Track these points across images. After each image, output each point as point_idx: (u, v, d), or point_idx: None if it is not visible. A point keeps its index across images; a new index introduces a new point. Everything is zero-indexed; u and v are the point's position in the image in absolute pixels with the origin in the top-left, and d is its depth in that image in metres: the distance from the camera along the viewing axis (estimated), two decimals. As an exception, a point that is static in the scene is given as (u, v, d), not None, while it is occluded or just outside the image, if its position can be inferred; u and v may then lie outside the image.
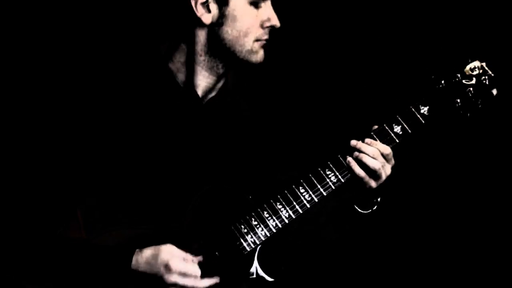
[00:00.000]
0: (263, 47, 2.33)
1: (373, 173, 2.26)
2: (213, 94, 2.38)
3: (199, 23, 2.31)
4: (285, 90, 2.97)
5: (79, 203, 2.29)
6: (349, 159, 2.27)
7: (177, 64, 2.35)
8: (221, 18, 2.30)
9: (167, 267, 2.20)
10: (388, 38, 3.12)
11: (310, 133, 2.58)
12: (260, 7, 2.31)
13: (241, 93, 2.45)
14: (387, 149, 2.28)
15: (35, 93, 2.95)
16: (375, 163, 2.26)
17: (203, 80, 2.36)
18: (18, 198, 2.28)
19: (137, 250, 2.22)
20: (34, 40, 2.99)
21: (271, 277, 2.30)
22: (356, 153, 2.27)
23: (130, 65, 2.39)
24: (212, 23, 2.30)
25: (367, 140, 2.28)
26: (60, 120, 2.31)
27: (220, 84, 2.39)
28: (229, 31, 2.30)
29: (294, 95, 2.93)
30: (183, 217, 2.29)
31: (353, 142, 2.29)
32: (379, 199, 2.35)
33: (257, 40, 2.31)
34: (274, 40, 2.36)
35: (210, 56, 2.34)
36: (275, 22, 2.32)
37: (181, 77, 2.35)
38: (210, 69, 2.35)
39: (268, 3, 2.33)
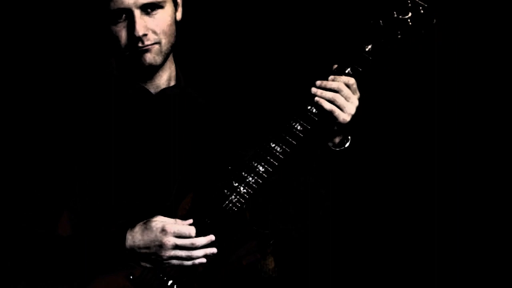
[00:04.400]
0: (145, 51, 2.39)
1: (342, 106, 2.35)
2: (160, 88, 2.50)
3: None
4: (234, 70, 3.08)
5: (65, 204, 2.36)
6: (317, 98, 2.36)
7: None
8: None
9: (164, 231, 2.26)
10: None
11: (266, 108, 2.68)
12: (117, 22, 2.38)
13: (191, 84, 2.56)
14: (350, 80, 2.38)
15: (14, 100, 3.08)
16: (340, 96, 2.35)
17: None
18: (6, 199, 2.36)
19: (129, 228, 2.29)
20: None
21: (262, 229, 2.35)
22: (321, 91, 2.37)
23: (89, 79, 2.53)
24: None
25: (330, 77, 2.39)
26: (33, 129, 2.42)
27: (162, 81, 2.50)
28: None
29: (244, 73, 3.04)
30: (166, 199, 2.36)
31: (318, 82, 2.38)
32: (349, 137, 2.42)
33: (130, 51, 2.39)
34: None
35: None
36: (135, 32, 2.36)
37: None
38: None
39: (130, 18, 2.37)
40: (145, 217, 2.31)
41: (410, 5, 2.46)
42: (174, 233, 2.27)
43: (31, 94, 2.96)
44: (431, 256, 3.30)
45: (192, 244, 2.28)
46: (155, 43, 2.40)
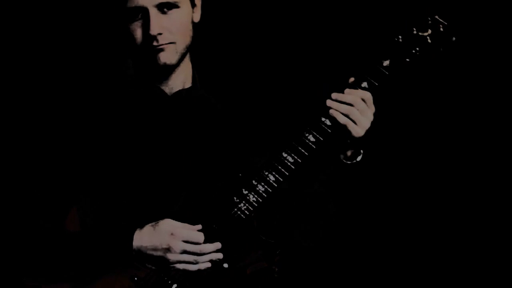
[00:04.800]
0: (159, 50, 2.39)
1: (357, 120, 2.35)
2: (176, 89, 2.50)
3: None
4: (251, 77, 3.09)
5: (74, 201, 2.37)
6: (332, 111, 2.36)
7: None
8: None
9: (172, 235, 2.27)
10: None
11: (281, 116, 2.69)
12: (134, 21, 2.39)
13: (207, 87, 2.55)
14: (366, 94, 2.38)
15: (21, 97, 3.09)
16: (355, 110, 2.35)
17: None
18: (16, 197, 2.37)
19: (137, 229, 2.29)
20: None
21: (269, 239, 2.35)
22: (336, 103, 2.36)
23: (105, 79, 2.55)
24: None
25: (346, 90, 2.38)
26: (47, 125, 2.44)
27: (177, 83, 2.49)
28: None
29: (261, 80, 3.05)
30: (175, 202, 2.36)
31: (334, 95, 2.38)
32: (361, 151, 2.42)
33: (145, 50, 2.39)
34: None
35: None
36: (150, 31, 2.36)
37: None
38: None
39: (144, 18, 2.38)
40: (154, 219, 2.31)
41: (430, 22, 2.46)
42: (183, 237, 2.27)
43: (45, 92, 2.98)
44: (432, 266, 3.30)
45: (200, 250, 2.28)
46: (170, 42, 2.40)
